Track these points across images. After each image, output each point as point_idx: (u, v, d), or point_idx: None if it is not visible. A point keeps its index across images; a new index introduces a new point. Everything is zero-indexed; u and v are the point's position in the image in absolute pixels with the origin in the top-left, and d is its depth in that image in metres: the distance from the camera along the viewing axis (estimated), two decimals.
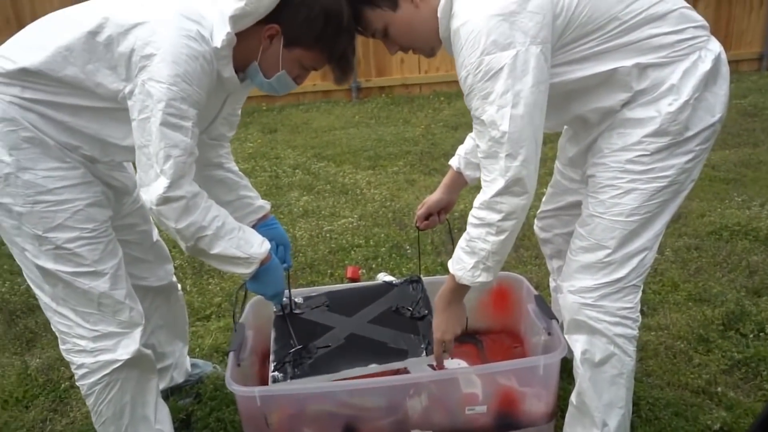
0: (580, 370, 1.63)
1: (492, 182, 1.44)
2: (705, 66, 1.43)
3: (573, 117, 1.58)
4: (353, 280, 2.84)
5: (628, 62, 1.42)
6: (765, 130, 4.87)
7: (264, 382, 2.01)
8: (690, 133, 1.45)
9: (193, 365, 2.23)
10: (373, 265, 3.07)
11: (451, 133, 5.23)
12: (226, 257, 1.55)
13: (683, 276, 2.78)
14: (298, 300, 2.06)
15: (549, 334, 1.84)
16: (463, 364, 2.07)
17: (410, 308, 1.98)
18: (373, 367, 1.78)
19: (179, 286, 2.08)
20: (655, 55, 1.42)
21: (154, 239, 1.93)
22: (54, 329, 1.64)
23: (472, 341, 2.22)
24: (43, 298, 1.59)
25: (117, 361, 1.61)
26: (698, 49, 1.44)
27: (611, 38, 1.41)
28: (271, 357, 1.84)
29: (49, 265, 1.53)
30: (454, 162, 1.94)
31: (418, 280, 2.10)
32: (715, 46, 1.47)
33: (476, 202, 1.49)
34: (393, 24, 1.53)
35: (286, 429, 1.74)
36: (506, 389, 1.77)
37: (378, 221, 3.60)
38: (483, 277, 1.54)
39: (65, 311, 1.58)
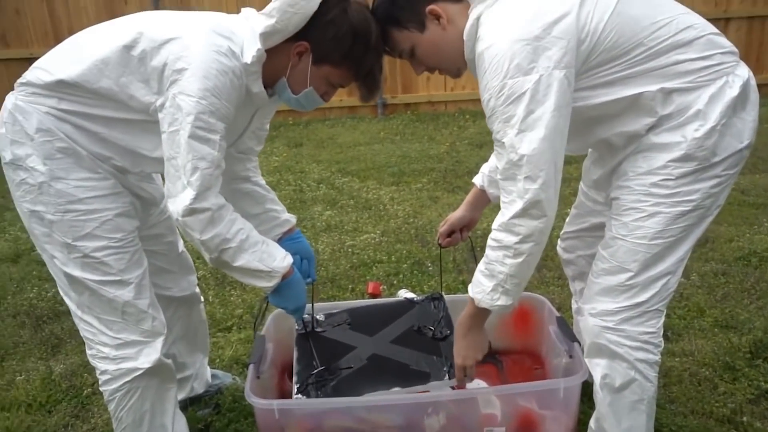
0: (599, 395, 1.61)
1: (510, 204, 1.44)
2: (732, 91, 1.42)
3: (598, 141, 1.57)
4: (374, 295, 2.84)
5: (653, 87, 1.42)
6: None
7: (283, 395, 2.02)
8: (717, 159, 1.44)
9: (213, 376, 2.25)
10: (395, 282, 3.07)
11: (476, 151, 5.22)
12: (248, 270, 1.57)
13: (709, 302, 2.73)
14: (320, 317, 2.06)
15: (570, 356, 1.82)
16: (482, 384, 2.05)
17: (432, 328, 1.97)
18: (396, 391, 1.77)
19: (201, 297, 2.11)
20: (681, 81, 1.41)
21: (180, 250, 1.96)
22: (81, 335, 1.67)
23: (492, 361, 2.20)
24: (70, 305, 1.63)
25: (138, 369, 1.63)
26: (725, 75, 1.43)
27: (636, 63, 1.41)
28: (294, 378, 1.84)
29: (77, 272, 1.56)
30: (478, 180, 1.94)
31: (440, 298, 2.09)
32: (744, 72, 1.45)
33: (495, 224, 1.49)
34: (420, 45, 1.55)
35: None
36: (525, 411, 1.75)
37: (400, 237, 3.60)
38: (502, 301, 1.53)
39: (90, 319, 1.61)
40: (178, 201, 1.46)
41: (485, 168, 1.92)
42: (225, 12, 1.62)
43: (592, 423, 1.69)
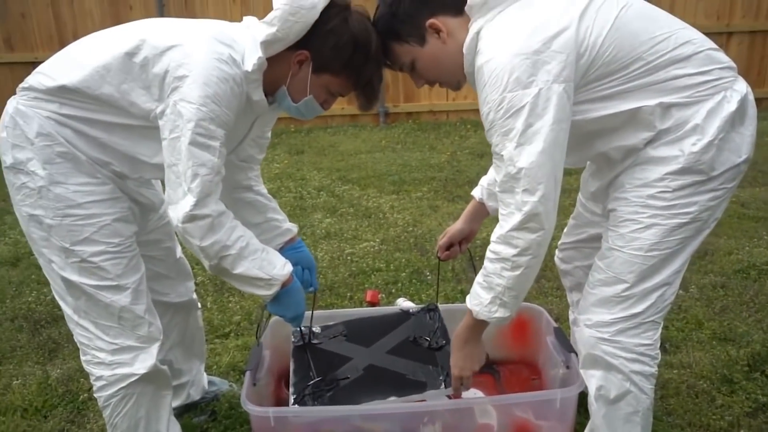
0: (594, 406, 1.61)
1: (508, 216, 1.44)
2: (731, 106, 1.42)
3: (596, 154, 1.58)
4: (372, 304, 2.84)
5: (652, 101, 1.42)
6: None
7: (279, 402, 2.02)
8: (715, 173, 1.44)
9: (209, 383, 2.25)
10: (393, 290, 3.07)
11: (477, 160, 5.24)
12: (247, 278, 1.57)
13: (708, 314, 2.72)
14: (316, 330, 2.06)
15: (567, 367, 1.82)
16: (479, 393, 2.05)
17: (428, 338, 1.97)
18: (392, 400, 1.77)
19: (199, 303, 2.11)
20: (679, 95, 1.42)
21: (178, 256, 1.96)
22: (76, 340, 1.67)
23: (489, 371, 2.20)
24: (66, 309, 1.63)
25: (133, 375, 1.63)
26: (723, 90, 1.43)
27: (635, 78, 1.42)
28: (291, 389, 1.84)
29: (74, 277, 1.56)
30: (477, 192, 1.95)
31: (435, 309, 2.09)
32: (742, 87, 1.46)
33: (493, 236, 1.49)
34: (420, 59, 1.56)
35: None
36: (522, 421, 1.75)
37: (399, 246, 3.60)
38: (500, 313, 1.53)
39: (86, 323, 1.61)
40: (178, 208, 1.46)
41: (484, 181, 1.92)
42: (229, 19, 1.63)
43: None
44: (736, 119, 1.44)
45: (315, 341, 2.01)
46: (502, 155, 1.40)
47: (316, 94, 1.60)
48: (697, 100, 1.42)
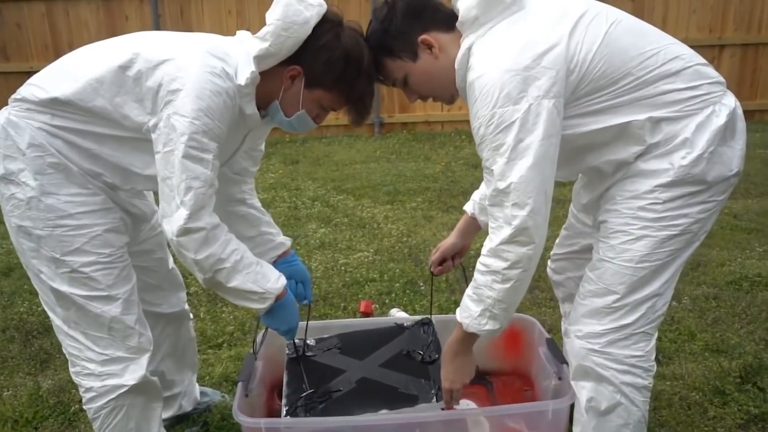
0: (584, 417, 1.61)
1: (498, 230, 1.45)
2: (719, 120, 1.44)
3: (587, 167, 1.59)
4: (366, 314, 2.84)
5: (641, 116, 1.44)
6: None
7: (271, 413, 2.01)
8: (704, 186, 1.46)
9: (202, 393, 2.24)
10: (387, 301, 3.07)
11: (471, 171, 5.25)
12: (242, 291, 1.57)
13: (700, 325, 2.73)
14: (311, 342, 2.05)
15: (559, 378, 1.82)
16: (471, 404, 2.04)
17: (421, 352, 1.97)
18: (384, 413, 1.77)
19: (191, 314, 2.10)
20: (669, 110, 1.43)
21: (170, 267, 1.96)
22: (65, 351, 1.66)
23: (482, 382, 2.19)
24: (56, 320, 1.63)
25: (123, 386, 1.62)
26: (712, 104, 1.45)
27: (625, 93, 1.43)
28: (283, 401, 1.84)
29: (64, 288, 1.56)
30: (469, 207, 1.96)
31: (429, 323, 2.09)
32: (731, 101, 1.47)
33: (484, 249, 1.49)
34: (413, 74, 1.58)
35: None
36: None
37: (394, 256, 3.60)
38: (490, 325, 1.54)
39: (76, 334, 1.61)
40: (173, 221, 1.46)
41: (476, 195, 1.93)
42: (225, 30, 1.64)
43: None
44: (725, 133, 1.45)
45: (309, 353, 2.01)
46: (493, 170, 1.42)
47: (309, 108, 1.61)
48: (686, 114, 1.43)
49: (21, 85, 1.57)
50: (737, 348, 2.52)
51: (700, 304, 2.91)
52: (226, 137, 1.51)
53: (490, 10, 1.46)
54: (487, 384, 2.20)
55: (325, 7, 1.54)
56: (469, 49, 1.47)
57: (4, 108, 1.55)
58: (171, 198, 1.46)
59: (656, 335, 1.59)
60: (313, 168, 5.62)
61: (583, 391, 1.60)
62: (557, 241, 1.99)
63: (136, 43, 1.51)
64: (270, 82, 1.55)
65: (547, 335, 2.00)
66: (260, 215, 1.90)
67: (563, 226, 1.96)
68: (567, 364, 1.80)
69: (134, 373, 1.63)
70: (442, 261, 2.02)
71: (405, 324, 2.14)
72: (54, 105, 1.49)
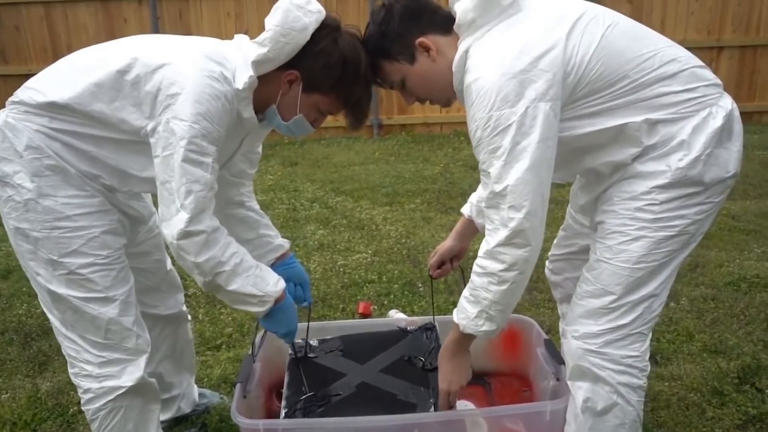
0: (580, 417, 1.61)
1: (494, 232, 1.45)
2: (716, 122, 1.44)
3: (585, 169, 1.60)
4: (364, 315, 2.84)
5: (638, 118, 1.44)
6: None
7: (270, 415, 2.01)
8: (701, 188, 1.46)
9: (200, 395, 2.24)
10: (385, 302, 3.07)
11: (470, 172, 5.26)
12: (241, 294, 1.57)
13: (699, 326, 2.73)
14: (313, 343, 2.05)
15: (557, 379, 1.82)
16: (470, 405, 2.05)
17: (422, 358, 1.95)
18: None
19: (189, 316, 2.10)
20: (665, 112, 1.44)
21: (168, 268, 1.96)
22: (64, 353, 1.67)
23: (480, 383, 2.20)
24: (54, 322, 1.63)
25: (121, 387, 1.62)
26: (709, 106, 1.45)
27: (621, 95, 1.44)
28: (283, 403, 1.84)
29: (61, 289, 1.56)
30: (466, 210, 1.96)
31: (433, 328, 2.08)
32: (727, 103, 1.48)
33: (480, 251, 1.50)
34: (410, 77, 1.58)
35: None
36: None
37: (392, 258, 3.61)
38: (486, 327, 1.54)
39: (74, 336, 1.61)
40: (172, 224, 1.47)
41: (473, 198, 1.93)
42: (223, 33, 1.65)
43: None
44: (722, 135, 1.45)
45: (311, 355, 2.00)
46: (489, 172, 1.42)
47: (306, 112, 1.62)
48: (682, 116, 1.44)
49: (19, 87, 1.57)
50: (735, 349, 2.53)
51: (698, 305, 2.91)
52: (224, 140, 1.51)
53: (487, 12, 1.46)
54: (485, 385, 2.20)
55: (324, 13, 1.55)
56: (466, 51, 1.48)
57: (2, 110, 1.55)
58: (171, 201, 1.46)
59: (650, 335, 1.59)
60: (312, 169, 5.62)
61: (580, 391, 1.60)
62: (555, 242, 1.99)
63: (135, 48, 1.52)
64: (267, 87, 1.55)
65: (545, 336, 2.01)
66: (259, 218, 1.91)
67: (561, 227, 1.96)
68: (564, 364, 1.80)
69: (132, 374, 1.63)
70: (440, 264, 2.02)
71: (408, 328, 2.13)
72: (52, 108, 1.49)
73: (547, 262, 2.03)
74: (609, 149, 1.50)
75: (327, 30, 1.54)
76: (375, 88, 1.67)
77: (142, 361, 1.66)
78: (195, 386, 2.22)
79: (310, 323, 2.04)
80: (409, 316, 2.74)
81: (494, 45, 1.43)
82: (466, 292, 1.56)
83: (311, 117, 1.64)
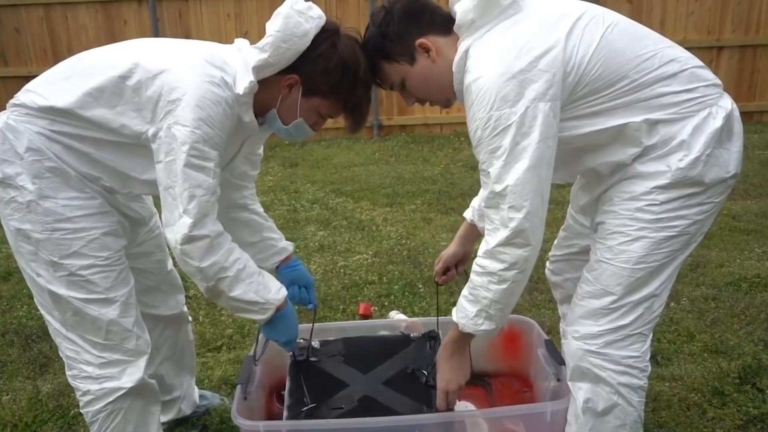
0: (581, 418, 1.61)
1: (493, 232, 1.45)
2: (716, 122, 1.44)
3: (585, 169, 1.60)
4: (365, 316, 2.84)
5: (638, 118, 1.44)
6: None
7: (270, 416, 2.01)
8: (702, 188, 1.46)
9: (201, 397, 2.24)
10: (386, 303, 3.07)
11: (470, 173, 5.25)
12: (243, 301, 1.57)
13: (699, 326, 2.73)
14: (316, 345, 2.03)
15: (558, 380, 1.82)
16: (470, 406, 2.04)
17: (426, 372, 1.91)
18: None
19: (189, 317, 2.10)
20: (665, 112, 1.44)
21: (168, 269, 1.96)
22: (62, 355, 1.66)
23: (480, 384, 2.19)
24: (53, 323, 1.63)
25: (121, 389, 1.62)
26: (709, 106, 1.45)
27: (621, 95, 1.44)
28: (285, 413, 1.83)
29: (62, 291, 1.56)
30: (468, 214, 1.96)
31: (437, 338, 2.05)
32: (727, 103, 1.48)
33: (480, 251, 1.50)
34: (410, 77, 1.58)
35: None
36: None
37: (393, 259, 3.61)
38: (486, 326, 1.54)
39: (74, 337, 1.61)
40: (176, 229, 1.47)
41: (475, 202, 1.93)
42: (223, 35, 1.65)
43: None
44: (723, 136, 1.46)
45: (313, 358, 1.98)
46: (489, 172, 1.42)
47: (306, 116, 1.62)
48: (682, 116, 1.44)
49: (20, 89, 1.57)
50: (736, 349, 2.53)
51: (699, 305, 2.91)
52: (225, 144, 1.51)
53: (487, 13, 1.46)
54: (485, 385, 2.20)
55: (324, 19, 1.55)
56: (466, 52, 1.48)
57: (3, 112, 1.55)
58: (174, 207, 1.47)
59: (651, 336, 1.59)
60: (312, 171, 5.62)
61: (580, 392, 1.60)
62: (556, 242, 1.99)
63: (136, 52, 1.52)
64: (267, 91, 1.56)
65: (545, 336, 2.00)
66: (263, 221, 1.91)
67: (561, 227, 1.96)
68: (565, 365, 1.80)
69: (132, 375, 1.63)
70: (445, 270, 2.02)
71: (411, 335, 2.10)
72: (53, 112, 1.50)
73: (547, 263, 2.03)
74: (609, 149, 1.50)
75: (326, 34, 1.55)
76: (375, 89, 1.68)
77: (142, 362, 1.66)
78: (195, 388, 2.22)
79: (315, 325, 2.03)
80: (409, 317, 2.74)
81: (494, 45, 1.44)
82: (465, 292, 1.56)
83: (311, 120, 1.64)
